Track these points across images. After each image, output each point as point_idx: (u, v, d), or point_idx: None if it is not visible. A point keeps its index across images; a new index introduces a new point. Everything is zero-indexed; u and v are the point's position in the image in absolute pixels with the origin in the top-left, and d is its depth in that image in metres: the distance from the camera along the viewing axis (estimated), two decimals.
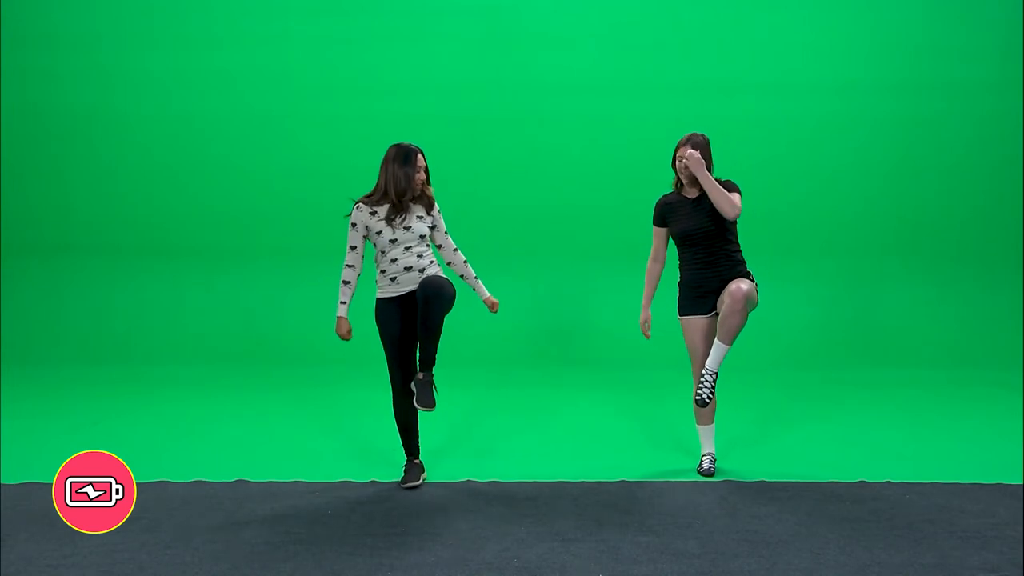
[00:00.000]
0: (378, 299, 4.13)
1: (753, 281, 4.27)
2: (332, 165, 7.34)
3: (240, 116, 7.33)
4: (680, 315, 4.38)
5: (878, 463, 4.51)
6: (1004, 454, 4.69)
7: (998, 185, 7.41)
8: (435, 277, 3.92)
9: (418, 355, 4.05)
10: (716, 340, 4.24)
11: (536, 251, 7.26)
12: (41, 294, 7.32)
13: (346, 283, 4.13)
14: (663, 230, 4.40)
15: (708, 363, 4.23)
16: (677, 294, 4.42)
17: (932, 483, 4.19)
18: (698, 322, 4.34)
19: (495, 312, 4.37)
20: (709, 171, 4.23)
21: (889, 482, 4.20)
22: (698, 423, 4.44)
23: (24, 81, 7.31)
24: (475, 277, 4.31)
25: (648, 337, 4.52)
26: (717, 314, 4.30)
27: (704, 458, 4.41)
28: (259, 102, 7.32)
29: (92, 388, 6.12)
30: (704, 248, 4.29)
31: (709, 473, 4.34)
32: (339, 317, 4.15)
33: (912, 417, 5.54)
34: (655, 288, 4.47)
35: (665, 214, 4.35)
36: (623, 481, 4.22)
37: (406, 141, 4.08)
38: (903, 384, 6.36)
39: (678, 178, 4.33)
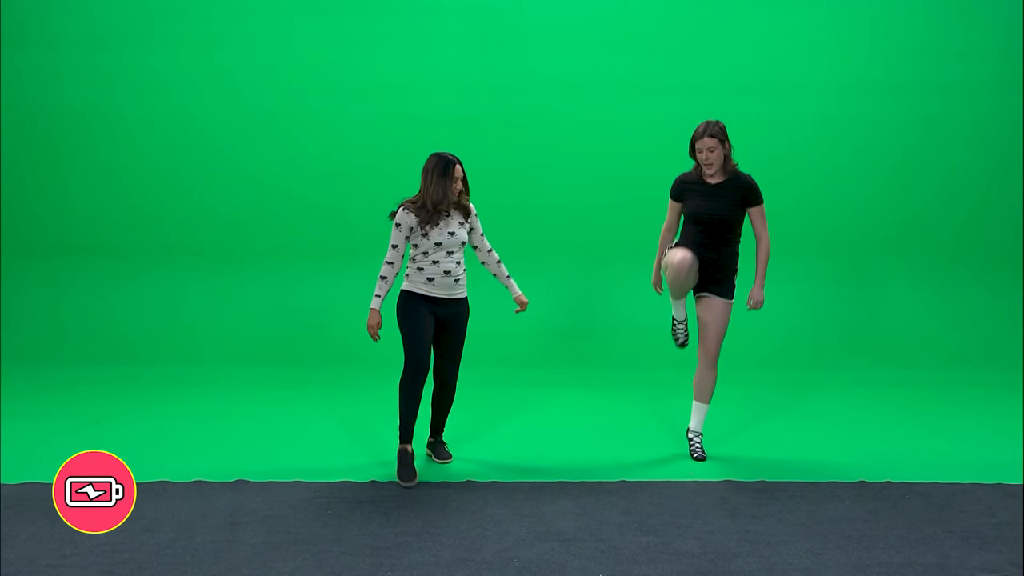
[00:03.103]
0: (407, 291, 4.28)
1: (732, 299, 4.50)
2: (333, 165, 7.34)
3: (240, 116, 7.32)
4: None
5: (878, 463, 4.51)
6: (1004, 454, 4.70)
7: (998, 185, 7.41)
8: (455, 373, 4.42)
9: (431, 423, 4.59)
10: (696, 403, 4.62)
11: (538, 251, 7.26)
12: (41, 294, 7.32)
13: (383, 278, 4.26)
14: (679, 205, 4.52)
15: (692, 425, 4.67)
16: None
17: (932, 483, 4.20)
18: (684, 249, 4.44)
19: (524, 311, 4.62)
20: (729, 156, 4.38)
21: (889, 482, 4.21)
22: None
23: (24, 81, 7.31)
24: (508, 276, 4.56)
25: (660, 293, 4.79)
26: (696, 288, 4.48)
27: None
28: (259, 102, 7.32)
29: (92, 388, 6.12)
30: (709, 231, 4.43)
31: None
32: (372, 309, 4.26)
33: (912, 417, 5.54)
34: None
35: (683, 190, 4.48)
36: (623, 481, 4.22)
37: (445, 151, 4.28)
38: (903, 384, 6.36)
39: (698, 165, 4.43)
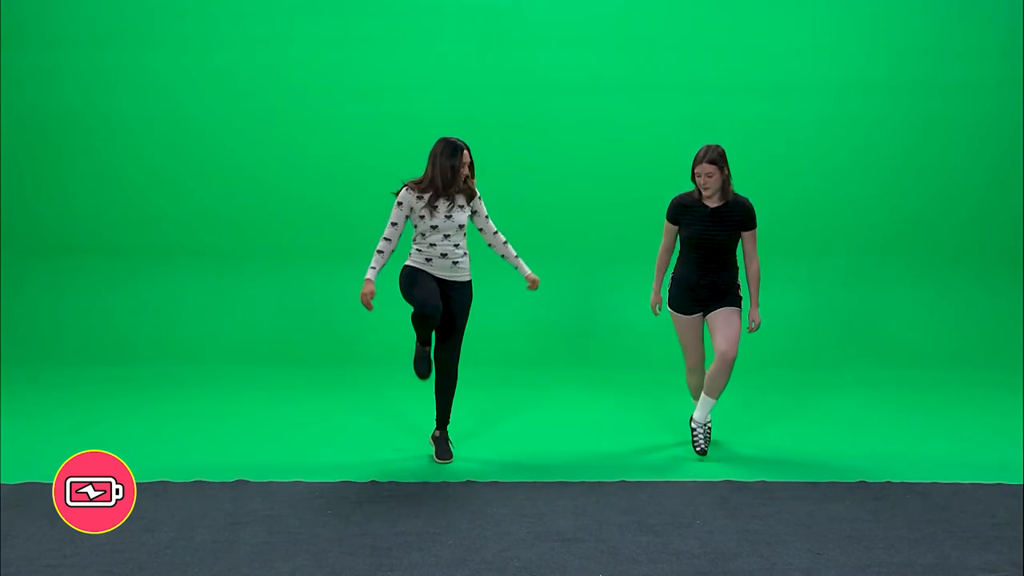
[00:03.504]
0: (408, 265, 4.39)
1: (739, 306, 4.54)
2: (333, 165, 7.33)
3: (241, 116, 7.31)
4: (669, 307, 4.63)
5: (878, 463, 4.52)
6: (1004, 454, 4.70)
7: (998, 185, 7.40)
8: (455, 359, 4.42)
9: (436, 414, 4.58)
10: (703, 395, 4.60)
11: (538, 251, 7.20)
12: (41, 294, 7.31)
13: (380, 252, 4.36)
14: (674, 228, 4.55)
15: (696, 416, 4.63)
16: (670, 284, 4.64)
17: (932, 483, 4.20)
18: (686, 319, 4.58)
19: (535, 289, 4.66)
20: (728, 179, 4.42)
21: (889, 482, 4.21)
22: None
23: (24, 81, 7.29)
24: (515, 256, 4.59)
25: (657, 314, 4.77)
26: (704, 313, 4.54)
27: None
28: (260, 102, 7.30)
29: (92, 388, 6.11)
30: (707, 256, 4.46)
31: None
32: (367, 279, 4.33)
33: (912, 417, 5.54)
34: (664, 274, 4.72)
35: (679, 214, 4.51)
36: (623, 481, 4.22)
37: (454, 136, 4.39)
38: (903, 384, 6.35)
39: (698, 189, 4.46)
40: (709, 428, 4.67)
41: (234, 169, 7.32)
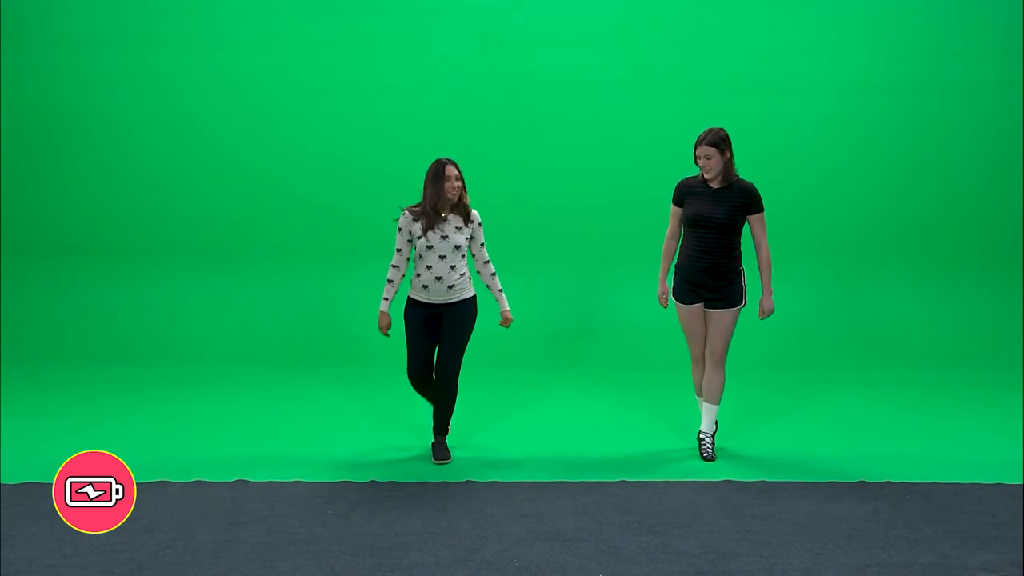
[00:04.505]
0: (408, 297, 4.53)
1: (738, 305, 4.51)
2: (333, 165, 7.33)
3: (240, 116, 7.31)
4: (673, 296, 4.63)
5: (878, 463, 4.52)
6: (1004, 454, 4.70)
7: (998, 185, 7.41)
8: (453, 371, 4.42)
9: (434, 422, 4.63)
10: (705, 403, 4.64)
11: (538, 251, 7.26)
12: (41, 294, 7.31)
13: (390, 282, 4.53)
14: (680, 210, 4.55)
15: (704, 427, 4.66)
16: (674, 275, 4.64)
17: (932, 483, 4.20)
18: (689, 309, 4.57)
19: (506, 327, 4.71)
20: (731, 164, 4.42)
21: (889, 482, 4.21)
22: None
23: (24, 81, 7.30)
24: (499, 290, 4.67)
25: (665, 306, 4.74)
26: (705, 305, 4.53)
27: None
28: (260, 102, 7.31)
29: (92, 388, 6.11)
30: (709, 235, 4.43)
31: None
32: (381, 312, 4.51)
33: (912, 417, 5.54)
34: (670, 261, 4.70)
35: (684, 195, 4.51)
36: (623, 481, 4.22)
37: (444, 157, 4.45)
38: (903, 384, 6.36)
39: (702, 172, 4.48)
40: (714, 430, 4.68)
41: (234, 169, 7.33)
